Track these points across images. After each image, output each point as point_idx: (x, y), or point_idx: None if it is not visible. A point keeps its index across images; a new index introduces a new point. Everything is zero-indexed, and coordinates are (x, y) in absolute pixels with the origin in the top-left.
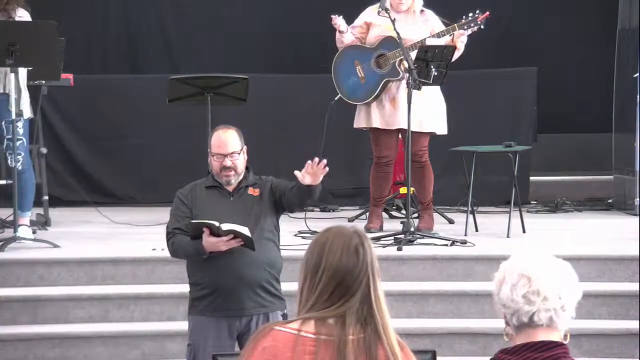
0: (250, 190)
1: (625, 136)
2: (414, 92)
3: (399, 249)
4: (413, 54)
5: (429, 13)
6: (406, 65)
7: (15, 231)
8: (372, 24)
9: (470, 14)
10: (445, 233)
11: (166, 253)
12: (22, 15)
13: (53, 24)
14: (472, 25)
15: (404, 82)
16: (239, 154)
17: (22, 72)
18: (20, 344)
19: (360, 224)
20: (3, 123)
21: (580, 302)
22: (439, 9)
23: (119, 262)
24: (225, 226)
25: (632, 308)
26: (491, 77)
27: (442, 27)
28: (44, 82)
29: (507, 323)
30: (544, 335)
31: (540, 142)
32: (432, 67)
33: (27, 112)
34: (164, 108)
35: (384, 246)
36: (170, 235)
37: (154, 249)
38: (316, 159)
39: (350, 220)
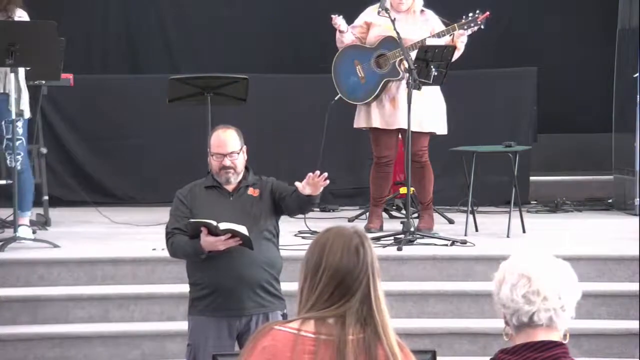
0: (250, 191)
1: (625, 136)
2: (414, 92)
3: (399, 249)
4: (413, 54)
5: (429, 13)
6: (406, 65)
7: (15, 231)
8: (372, 24)
9: (470, 14)
10: (445, 233)
11: (166, 253)
12: (22, 15)
13: (53, 24)
14: (472, 25)
15: (404, 82)
16: (238, 153)
17: (21, 71)
18: (20, 344)
19: (360, 224)
20: (3, 123)
21: (580, 302)
22: (439, 9)
23: (119, 262)
24: (223, 225)
25: (632, 308)
26: (491, 77)
27: (442, 27)
28: (44, 82)
29: (506, 323)
30: (543, 335)
31: (540, 142)
32: (432, 67)
33: (27, 112)
34: (164, 108)
35: (384, 246)
36: (169, 235)
37: (154, 249)
38: (317, 172)
39: (350, 220)
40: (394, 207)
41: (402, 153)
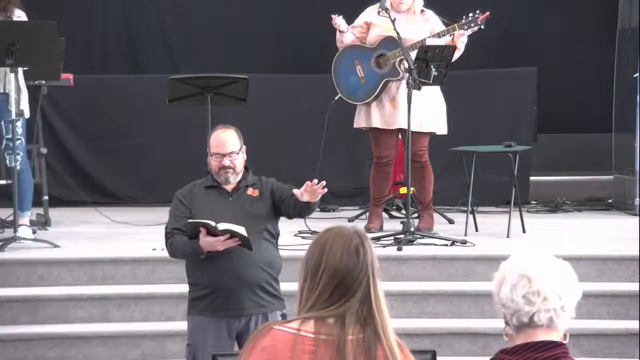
0: (250, 191)
1: (625, 136)
2: (414, 92)
3: (399, 249)
4: (413, 54)
5: (429, 13)
6: (406, 65)
7: (15, 231)
8: (372, 24)
9: (471, 14)
10: (445, 233)
11: (166, 253)
12: (20, 15)
13: (53, 24)
14: (472, 25)
15: (404, 82)
16: (237, 153)
17: (20, 71)
18: (20, 344)
19: (360, 224)
20: (2, 123)
21: (580, 302)
22: (439, 9)
23: (119, 262)
24: (222, 226)
25: (632, 308)
26: (491, 77)
27: (442, 27)
28: (44, 82)
29: (506, 323)
30: (543, 336)
31: (540, 142)
32: (432, 67)
33: (27, 112)
34: (164, 108)
35: (384, 246)
36: (168, 236)
37: (154, 249)
38: (315, 180)
39: (350, 220)
40: (394, 207)
41: (402, 153)
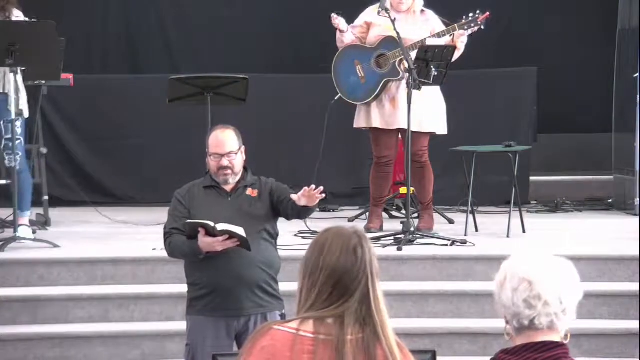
0: (249, 191)
1: (625, 136)
2: (414, 92)
3: (399, 249)
4: (413, 54)
5: (430, 13)
6: (406, 65)
7: (15, 231)
8: (373, 24)
9: (471, 14)
10: (445, 233)
11: (166, 253)
12: (19, 15)
13: (53, 24)
14: (473, 25)
15: (404, 82)
16: (236, 153)
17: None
18: (20, 344)
19: (360, 224)
20: (1, 123)
21: (580, 302)
22: (439, 9)
23: (119, 262)
24: (221, 226)
25: (632, 308)
26: (491, 77)
27: (443, 27)
28: (44, 82)
29: (507, 322)
30: (544, 337)
31: (540, 142)
32: (432, 67)
33: (26, 112)
34: (164, 108)
35: (384, 246)
36: (167, 236)
37: (154, 249)
38: (312, 186)
39: (350, 220)
40: (394, 207)
41: (402, 153)
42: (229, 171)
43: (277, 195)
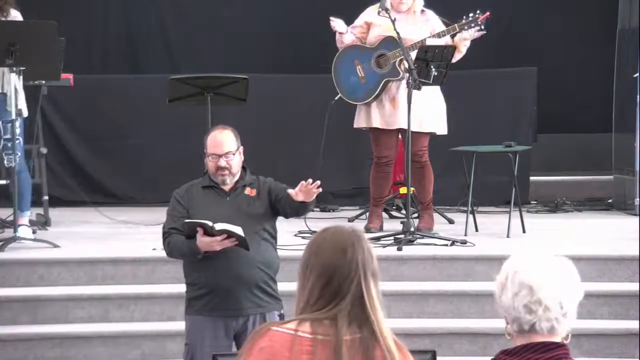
0: (247, 191)
1: (625, 136)
2: (414, 92)
3: (399, 249)
4: (413, 54)
5: (430, 13)
6: (406, 65)
7: (15, 231)
8: (373, 24)
9: (471, 14)
10: (445, 233)
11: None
12: (16, 15)
13: (53, 24)
14: (473, 25)
15: (404, 82)
16: (234, 154)
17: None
18: (20, 344)
19: (360, 224)
20: (0, 123)
21: (580, 302)
22: (439, 9)
23: (119, 262)
24: (219, 226)
25: (632, 308)
26: (491, 77)
27: (443, 27)
28: (44, 82)
29: (507, 322)
30: (544, 338)
31: (540, 142)
32: (432, 67)
33: (25, 112)
34: (164, 108)
35: (384, 246)
36: (166, 235)
37: (154, 249)
38: (309, 180)
39: (350, 220)
40: (394, 207)
41: (402, 153)
42: (227, 172)
43: (275, 194)
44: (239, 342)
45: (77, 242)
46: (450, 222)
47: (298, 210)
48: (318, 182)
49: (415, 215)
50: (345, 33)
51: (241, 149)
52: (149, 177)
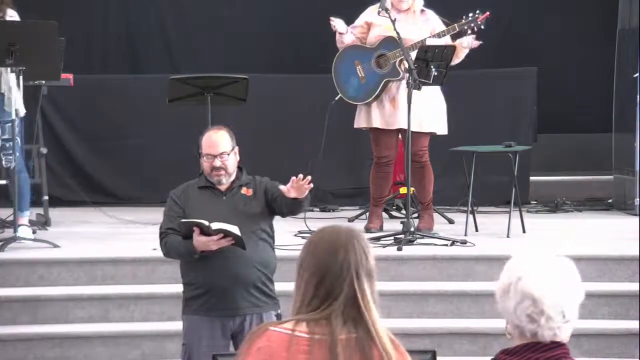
0: (243, 190)
1: (625, 136)
2: (415, 92)
3: (399, 249)
4: (413, 54)
5: (430, 13)
6: (406, 65)
7: (15, 231)
8: (373, 24)
9: (470, 14)
10: (445, 233)
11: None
12: (13, 15)
13: (53, 24)
14: (472, 25)
15: (404, 82)
16: (228, 154)
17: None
18: (20, 344)
19: (360, 224)
20: None
21: (580, 303)
22: (439, 9)
23: (119, 262)
24: (215, 225)
25: (632, 308)
26: (491, 77)
27: (443, 27)
28: (44, 82)
29: (508, 322)
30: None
31: (540, 142)
32: (432, 67)
33: (22, 111)
34: (164, 108)
35: (384, 246)
36: (163, 236)
37: (154, 249)
38: (300, 175)
39: (350, 220)
40: (394, 207)
41: (402, 153)
42: (222, 172)
43: (271, 194)
44: (236, 342)
45: (77, 242)
46: (450, 222)
47: (292, 208)
48: (309, 178)
49: (415, 215)
50: (345, 33)
51: (236, 149)
52: (149, 177)
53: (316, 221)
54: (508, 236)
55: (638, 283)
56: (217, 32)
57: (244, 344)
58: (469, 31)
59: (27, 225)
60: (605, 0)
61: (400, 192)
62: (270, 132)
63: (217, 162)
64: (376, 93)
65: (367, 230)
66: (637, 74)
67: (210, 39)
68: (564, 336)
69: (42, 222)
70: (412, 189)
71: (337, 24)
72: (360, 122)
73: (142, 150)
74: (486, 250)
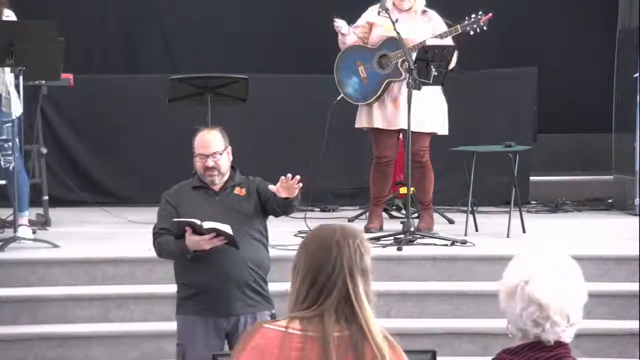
0: (237, 190)
1: (625, 136)
2: (416, 92)
3: (399, 249)
4: (414, 55)
5: (432, 13)
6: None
7: (15, 231)
8: (375, 24)
9: (473, 15)
10: (445, 233)
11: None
12: (9, 15)
13: (53, 24)
14: (475, 26)
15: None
16: (221, 154)
17: (7, 70)
18: (20, 344)
19: (360, 224)
20: None
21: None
22: (441, 9)
23: (119, 262)
24: (207, 224)
25: (632, 308)
26: (491, 77)
27: (445, 28)
28: (44, 82)
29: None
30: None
31: (540, 142)
32: (432, 67)
33: (19, 110)
34: (164, 108)
35: (384, 246)
36: (156, 236)
37: (149, 249)
38: (289, 175)
39: (350, 220)
40: (394, 207)
41: (403, 153)
42: (215, 172)
43: (264, 194)
44: (230, 342)
45: (77, 242)
46: (450, 222)
47: (284, 208)
48: (298, 177)
49: (415, 215)
50: (348, 34)
51: (229, 149)
52: (149, 177)
53: (316, 221)
54: (508, 236)
55: (638, 283)
56: (217, 32)
57: (239, 342)
58: (472, 32)
59: (27, 225)
60: (605, 0)
61: (400, 192)
62: (270, 132)
63: (210, 162)
64: (378, 93)
65: (367, 230)
66: (637, 74)
67: (210, 39)
68: (567, 338)
69: (42, 222)
70: (412, 189)
71: (341, 24)
72: (361, 122)
73: (142, 150)
74: (486, 250)
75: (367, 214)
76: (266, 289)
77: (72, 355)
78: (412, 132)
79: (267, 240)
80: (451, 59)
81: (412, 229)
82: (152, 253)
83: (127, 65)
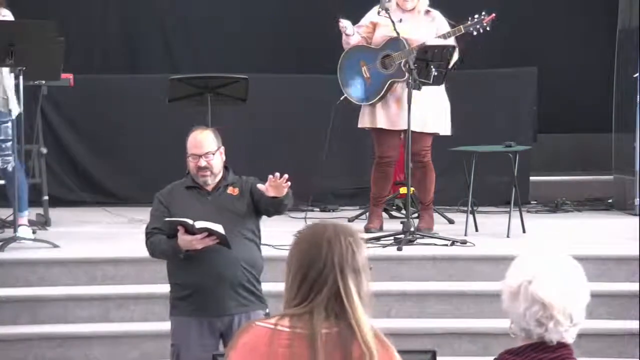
0: (230, 190)
1: (625, 136)
2: (418, 92)
3: (399, 249)
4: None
5: (436, 13)
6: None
7: (15, 231)
8: (378, 24)
9: (476, 16)
10: (445, 233)
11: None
12: (6, 14)
13: (53, 24)
14: (478, 26)
15: None
16: (214, 154)
17: (5, 70)
18: (20, 344)
19: (360, 224)
20: None
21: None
22: (444, 9)
23: (119, 262)
24: (199, 224)
25: (632, 308)
26: (491, 77)
27: (448, 28)
28: (44, 82)
29: (512, 322)
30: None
31: (540, 142)
32: (432, 67)
33: (16, 110)
34: (164, 108)
35: (384, 246)
36: (149, 236)
37: None
38: (277, 174)
39: (350, 220)
40: (394, 207)
41: (404, 153)
42: (208, 172)
43: (257, 193)
44: (226, 341)
45: (77, 242)
46: (450, 222)
47: (275, 207)
48: (286, 176)
49: (415, 215)
50: (352, 35)
51: (222, 149)
52: (149, 177)
53: (316, 221)
54: (508, 236)
55: (638, 283)
56: (217, 32)
57: (232, 340)
58: (475, 32)
59: (26, 225)
60: (605, 0)
61: (401, 192)
62: (270, 132)
63: (202, 162)
64: (381, 94)
65: (367, 230)
66: (637, 74)
67: (210, 39)
68: (570, 338)
69: (42, 222)
70: (412, 189)
71: (346, 25)
72: (364, 122)
73: (142, 150)
74: (486, 250)
75: (367, 214)
76: (259, 288)
77: (72, 355)
78: (414, 132)
79: (260, 240)
80: (451, 58)
81: (412, 229)
82: None
83: (127, 65)
